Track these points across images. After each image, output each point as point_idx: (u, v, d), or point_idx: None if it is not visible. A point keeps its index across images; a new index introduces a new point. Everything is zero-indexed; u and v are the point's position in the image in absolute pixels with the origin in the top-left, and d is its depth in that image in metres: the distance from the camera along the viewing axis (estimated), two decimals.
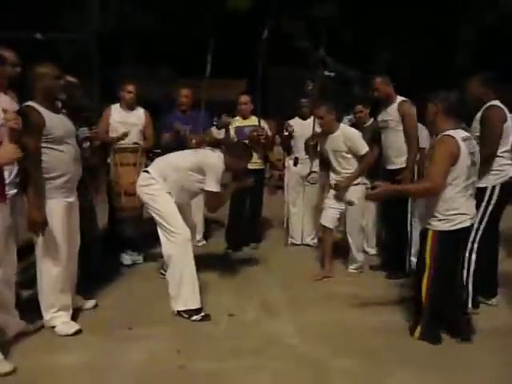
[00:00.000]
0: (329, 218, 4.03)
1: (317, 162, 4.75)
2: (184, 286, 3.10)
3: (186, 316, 3.08)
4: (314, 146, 4.65)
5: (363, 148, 3.91)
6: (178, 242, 3.10)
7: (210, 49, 4.42)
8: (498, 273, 3.39)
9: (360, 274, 4.11)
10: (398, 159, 3.96)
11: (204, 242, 4.99)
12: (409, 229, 4.01)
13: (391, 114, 3.95)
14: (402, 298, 3.53)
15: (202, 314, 3.11)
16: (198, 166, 3.28)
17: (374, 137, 4.22)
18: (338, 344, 2.83)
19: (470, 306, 3.17)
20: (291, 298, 3.54)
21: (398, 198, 3.94)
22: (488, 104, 3.20)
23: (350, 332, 3.00)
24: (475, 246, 3.17)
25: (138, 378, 2.48)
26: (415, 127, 3.90)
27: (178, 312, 3.12)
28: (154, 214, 3.22)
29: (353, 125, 4.63)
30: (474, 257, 3.18)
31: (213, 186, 3.27)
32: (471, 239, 3.14)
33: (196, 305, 3.12)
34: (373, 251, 4.63)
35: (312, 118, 4.65)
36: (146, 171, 3.31)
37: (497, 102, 3.21)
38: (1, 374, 2.40)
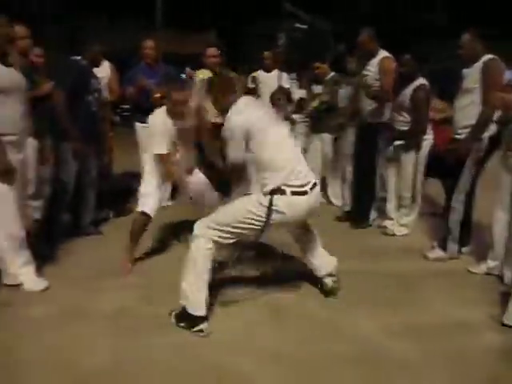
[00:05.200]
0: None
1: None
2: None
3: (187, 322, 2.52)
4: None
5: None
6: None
7: None
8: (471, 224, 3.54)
9: (325, 224, 4.09)
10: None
11: None
12: (376, 183, 4.12)
13: (370, 69, 3.92)
14: (363, 246, 3.73)
15: (205, 324, 2.51)
16: None
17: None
18: (302, 289, 3.01)
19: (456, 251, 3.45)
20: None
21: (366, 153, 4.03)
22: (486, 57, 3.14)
23: (312, 278, 3.04)
24: (461, 196, 3.29)
25: (111, 327, 2.51)
26: (391, 85, 3.82)
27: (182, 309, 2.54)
28: None
29: (314, 80, 4.65)
30: (460, 207, 3.31)
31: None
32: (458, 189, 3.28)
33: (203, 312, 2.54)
34: (339, 202, 4.76)
35: (276, 70, 4.63)
36: None
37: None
38: None
